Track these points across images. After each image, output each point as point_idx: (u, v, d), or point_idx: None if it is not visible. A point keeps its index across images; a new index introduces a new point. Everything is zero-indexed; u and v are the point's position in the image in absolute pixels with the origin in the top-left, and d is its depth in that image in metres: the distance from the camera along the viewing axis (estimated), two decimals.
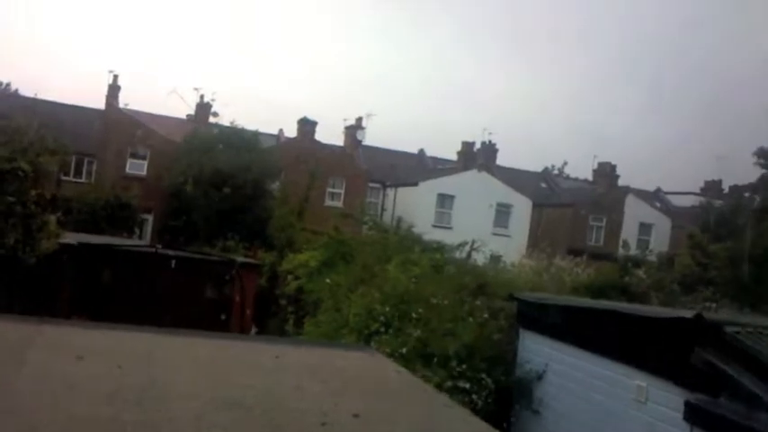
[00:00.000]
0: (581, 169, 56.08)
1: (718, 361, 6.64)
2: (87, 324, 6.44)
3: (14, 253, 12.14)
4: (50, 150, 19.68)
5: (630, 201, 40.98)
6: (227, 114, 59.21)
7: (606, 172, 43.10)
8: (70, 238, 14.42)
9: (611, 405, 8.29)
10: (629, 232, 39.23)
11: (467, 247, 17.92)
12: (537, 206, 39.78)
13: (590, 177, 46.51)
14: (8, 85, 54.57)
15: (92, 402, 3.88)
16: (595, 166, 45.06)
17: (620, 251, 27.36)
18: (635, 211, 40.54)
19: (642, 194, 43.57)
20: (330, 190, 35.71)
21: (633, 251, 33.29)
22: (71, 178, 30.18)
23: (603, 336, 8.79)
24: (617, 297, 15.19)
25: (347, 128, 41.48)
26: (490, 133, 41.80)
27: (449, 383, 9.44)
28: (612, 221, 40.07)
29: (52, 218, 14.56)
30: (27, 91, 34.23)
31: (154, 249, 15.02)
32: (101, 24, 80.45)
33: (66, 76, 68.53)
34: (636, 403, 7.81)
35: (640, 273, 18.67)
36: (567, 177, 52.99)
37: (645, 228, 40.78)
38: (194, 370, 5.26)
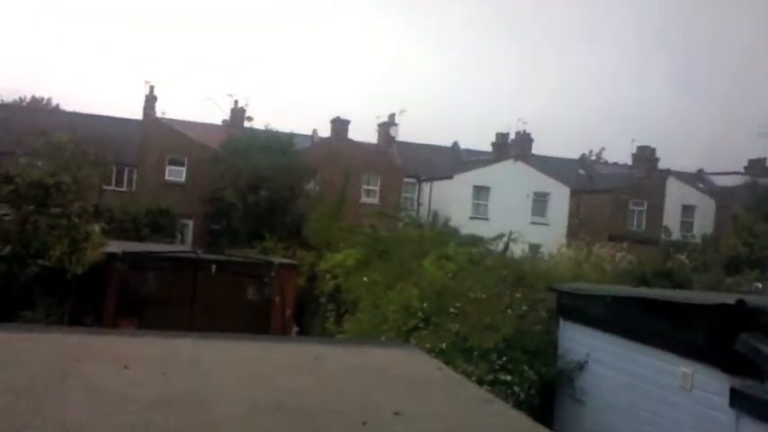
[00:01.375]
0: (620, 154, 55.04)
1: (763, 345, 6.53)
2: (132, 332, 6.62)
3: (62, 264, 12.50)
4: (91, 163, 20.34)
5: (672, 183, 40.13)
6: (262, 118, 59.90)
7: (646, 155, 42.26)
8: (114, 246, 14.78)
9: (656, 393, 8.20)
10: (671, 215, 38.52)
11: (504, 239, 17.81)
12: (575, 193, 39.23)
13: (629, 162, 45.69)
14: (49, 100, 56.04)
15: (138, 410, 4.00)
16: (634, 150, 44.30)
17: (662, 236, 26.89)
18: (677, 194, 39.71)
19: (684, 176, 42.61)
20: (365, 187, 35.82)
21: (677, 234, 32.68)
22: (113, 188, 31.02)
23: (645, 324, 8.67)
24: (660, 284, 14.94)
25: (380, 125, 41.59)
26: (525, 123, 41.23)
27: (490, 377, 9.43)
28: (654, 205, 39.30)
29: (96, 228, 14.99)
30: (67, 105, 35.15)
31: (195, 254, 15.27)
32: (137, 37, 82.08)
33: (104, 89, 70.17)
34: (682, 390, 7.72)
35: (683, 257, 18.32)
36: (606, 163, 52.10)
37: (688, 210, 39.94)
38: (237, 374, 5.37)
